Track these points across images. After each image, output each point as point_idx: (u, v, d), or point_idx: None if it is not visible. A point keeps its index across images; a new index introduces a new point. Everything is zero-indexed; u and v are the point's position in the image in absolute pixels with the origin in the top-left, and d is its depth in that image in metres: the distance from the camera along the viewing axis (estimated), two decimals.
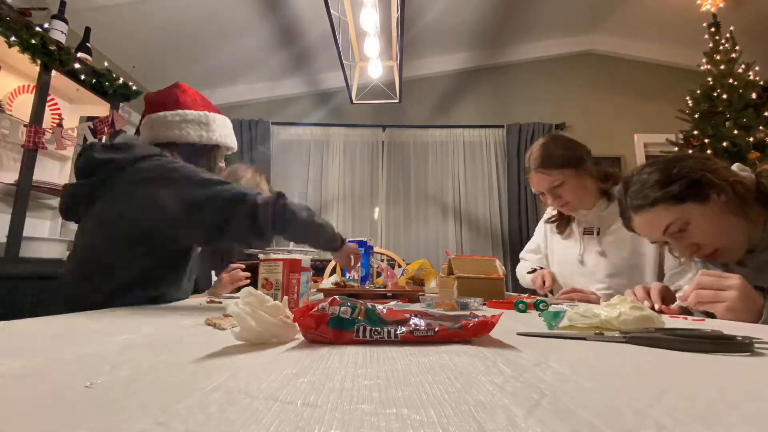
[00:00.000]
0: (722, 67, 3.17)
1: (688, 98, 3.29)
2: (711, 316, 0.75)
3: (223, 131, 1.17)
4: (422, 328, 0.45)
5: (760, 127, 2.91)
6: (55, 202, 2.27)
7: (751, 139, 2.89)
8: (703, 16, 3.31)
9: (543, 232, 1.58)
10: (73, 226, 1.29)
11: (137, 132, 1.24)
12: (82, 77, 2.27)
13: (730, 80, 3.07)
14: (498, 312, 0.52)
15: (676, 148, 3.21)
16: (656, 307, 0.84)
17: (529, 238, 3.78)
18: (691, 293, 0.73)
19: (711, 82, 3.17)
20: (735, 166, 0.92)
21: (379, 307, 0.52)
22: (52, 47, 2.05)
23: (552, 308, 0.62)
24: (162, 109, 1.12)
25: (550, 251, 1.52)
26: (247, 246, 1.02)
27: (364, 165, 3.96)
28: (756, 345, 0.40)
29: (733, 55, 3.17)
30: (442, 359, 0.37)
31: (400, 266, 2.06)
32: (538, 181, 1.32)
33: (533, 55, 4.10)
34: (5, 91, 2.15)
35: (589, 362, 0.37)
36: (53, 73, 2.12)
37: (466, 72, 4.10)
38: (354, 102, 2.76)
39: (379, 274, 1.56)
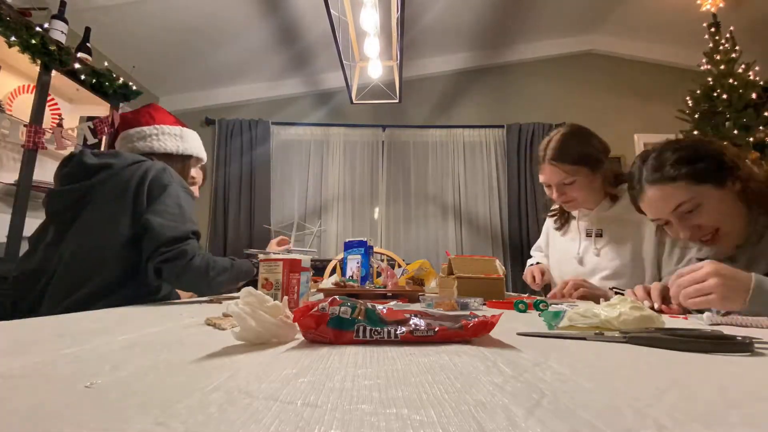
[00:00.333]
0: (722, 67, 3.17)
1: (688, 98, 3.29)
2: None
3: (196, 143, 1.30)
4: (422, 328, 0.45)
5: (760, 127, 2.91)
6: None
7: (751, 139, 2.89)
8: (703, 16, 3.31)
9: (546, 229, 1.58)
10: None
11: (111, 147, 1.30)
12: (82, 77, 2.27)
13: (730, 80, 3.07)
14: (498, 312, 0.52)
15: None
16: (656, 306, 0.84)
17: (528, 238, 3.78)
18: (677, 294, 0.73)
19: (711, 82, 3.17)
20: None
21: (379, 307, 0.52)
22: (52, 47, 2.05)
23: (552, 308, 0.62)
24: (138, 126, 1.22)
25: (552, 249, 1.52)
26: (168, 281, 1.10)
27: (364, 165, 3.96)
28: (756, 345, 0.40)
29: (733, 55, 3.18)
30: (442, 359, 0.37)
31: (400, 266, 2.06)
32: (550, 174, 1.27)
33: (533, 55, 4.10)
34: (5, 91, 2.16)
35: (589, 362, 0.37)
36: (53, 73, 2.12)
37: (466, 72, 4.10)
38: (354, 102, 2.76)
39: (379, 274, 1.55)
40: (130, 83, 2.55)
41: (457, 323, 0.45)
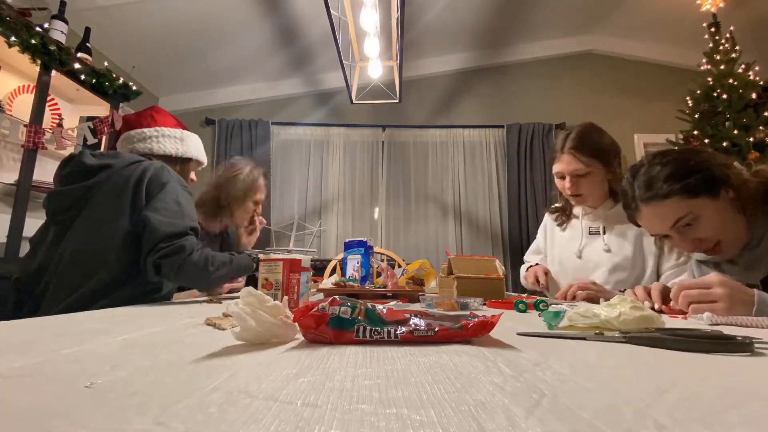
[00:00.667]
0: (722, 67, 3.17)
1: (688, 98, 3.29)
2: None
3: (196, 147, 1.30)
4: (422, 328, 0.45)
5: (760, 127, 2.91)
6: None
7: (751, 139, 2.89)
8: (703, 16, 3.31)
9: (544, 229, 1.58)
10: None
11: (112, 148, 1.29)
12: (82, 77, 2.27)
13: (730, 80, 3.07)
14: (498, 312, 0.52)
15: (675, 148, 3.22)
16: (656, 306, 0.84)
17: (528, 238, 3.78)
18: (678, 295, 0.73)
19: (711, 82, 3.17)
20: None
21: (379, 307, 0.52)
22: (52, 47, 2.05)
23: (552, 308, 0.62)
24: (140, 127, 1.23)
25: (551, 246, 1.52)
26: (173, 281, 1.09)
27: (364, 165, 3.96)
28: (756, 345, 0.40)
29: (733, 55, 3.17)
30: (442, 359, 0.37)
31: (400, 266, 2.06)
32: (567, 163, 1.29)
33: (533, 55, 4.10)
34: (5, 91, 2.16)
35: (589, 362, 0.37)
36: (53, 73, 2.12)
37: (466, 72, 4.10)
38: (354, 102, 2.76)
39: (379, 274, 1.55)
40: (130, 83, 2.55)
41: (457, 323, 0.45)
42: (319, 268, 2.63)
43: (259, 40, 3.36)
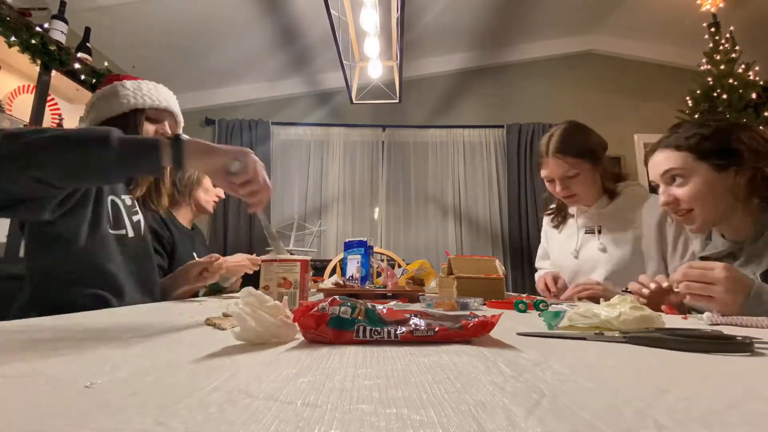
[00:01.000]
0: (722, 67, 3.16)
1: (688, 98, 3.29)
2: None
3: (137, 92, 1.02)
4: (422, 328, 0.45)
5: (760, 127, 2.91)
6: None
7: None
8: (703, 16, 3.31)
9: (545, 233, 1.58)
10: None
11: None
12: (82, 77, 2.27)
13: (730, 80, 3.07)
14: (498, 312, 0.52)
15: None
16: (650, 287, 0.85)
17: (528, 238, 3.77)
18: (681, 281, 0.73)
19: (711, 82, 3.17)
20: None
21: (379, 307, 0.52)
22: (52, 47, 2.05)
23: (552, 308, 0.62)
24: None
25: (550, 248, 1.52)
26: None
27: (364, 165, 3.96)
28: (756, 345, 0.40)
29: (733, 55, 3.17)
30: (442, 359, 0.37)
31: (400, 266, 2.06)
32: (554, 167, 1.27)
33: (533, 55, 4.10)
34: (5, 91, 2.15)
35: (589, 362, 0.37)
36: (53, 73, 2.12)
37: (466, 72, 4.10)
38: (354, 102, 2.76)
39: (379, 274, 1.56)
40: None
41: (457, 323, 0.45)
42: (319, 268, 2.63)
43: (259, 40, 3.36)
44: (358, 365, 0.34)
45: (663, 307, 0.84)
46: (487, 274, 1.11)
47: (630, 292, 0.96)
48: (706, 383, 0.31)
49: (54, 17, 2.20)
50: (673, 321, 0.68)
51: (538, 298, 1.01)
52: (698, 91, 3.23)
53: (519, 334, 0.51)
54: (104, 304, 0.88)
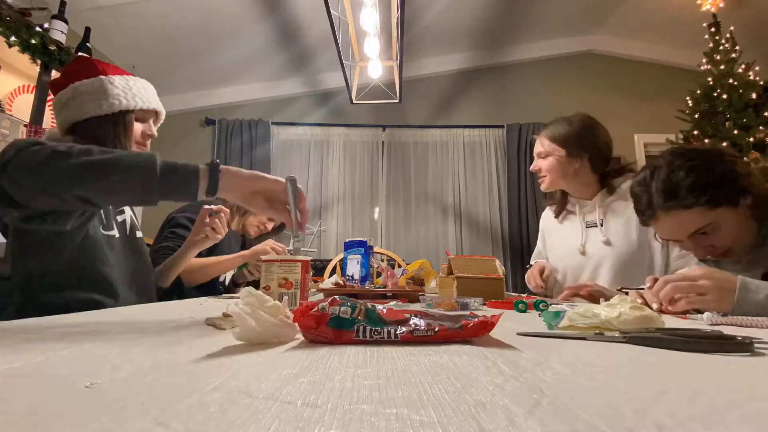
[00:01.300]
0: (722, 67, 3.17)
1: (688, 98, 3.30)
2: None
3: (127, 93, 0.97)
4: (422, 328, 0.45)
5: (760, 127, 2.91)
6: None
7: (751, 139, 2.89)
8: (703, 16, 3.31)
9: (542, 232, 1.57)
10: None
11: None
12: None
13: (730, 80, 3.07)
14: (498, 312, 0.52)
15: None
16: (655, 307, 0.84)
17: (528, 237, 3.77)
18: (665, 288, 0.73)
19: (711, 82, 3.17)
20: None
21: (379, 307, 0.52)
22: (52, 47, 2.05)
23: (552, 308, 0.62)
24: (56, 93, 0.96)
25: (550, 245, 1.51)
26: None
27: (364, 165, 3.96)
28: (756, 345, 0.40)
29: (733, 55, 3.18)
30: (442, 359, 0.37)
31: (400, 266, 2.06)
32: (536, 146, 1.39)
33: (533, 55, 4.10)
34: (5, 91, 2.16)
35: (589, 362, 0.37)
36: (53, 73, 2.12)
37: (466, 72, 4.10)
38: (354, 102, 2.76)
39: (379, 274, 1.55)
40: None
41: (457, 323, 0.45)
42: (319, 268, 2.63)
43: (259, 40, 3.36)
44: (358, 365, 0.34)
45: (663, 307, 0.84)
46: (487, 274, 1.11)
47: (626, 293, 0.96)
48: (706, 383, 0.31)
49: (54, 17, 2.20)
50: (673, 321, 0.68)
51: (538, 298, 1.01)
52: (698, 91, 3.24)
53: (519, 334, 0.51)
54: (96, 307, 0.86)
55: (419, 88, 4.01)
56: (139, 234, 1.11)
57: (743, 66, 3.11)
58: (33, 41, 1.96)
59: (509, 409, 0.23)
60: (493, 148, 3.96)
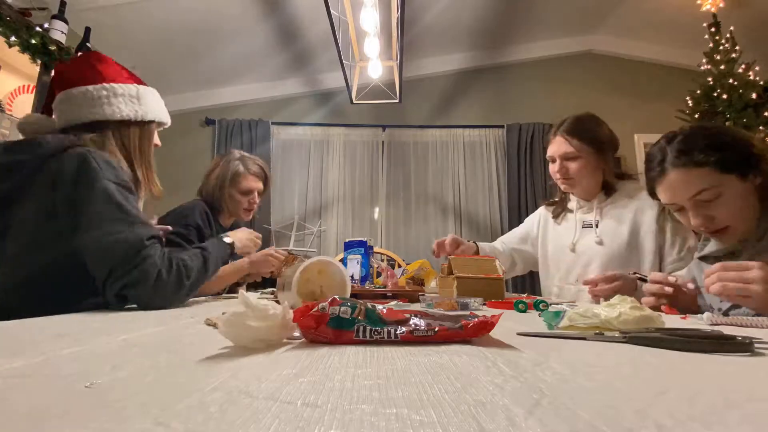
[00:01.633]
0: (722, 67, 3.16)
1: (688, 98, 3.29)
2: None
3: (157, 105, 1.03)
4: (422, 328, 0.45)
5: (760, 127, 2.91)
6: None
7: None
8: (703, 16, 3.31)
9: (538, 219, 1.57)
10: None
11: (44, 111, 1.04)
12: None
13: (730, 80, 3.07)
14: (498, 312, 0.52)
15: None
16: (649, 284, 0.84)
17: None
18: (715, 282, 0.70)
19: (711, 82, 3.17)
20: None
21: (379, 307, 0.52)
22: (52, 47, 2.05)
23: (552, 308, 0.62)
24: (82, 84, 0.94)
25: (543, 239, 1.51)
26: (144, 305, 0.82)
27: (364, 165, 3.96)
28: (756, 345, 0.40)
29: (733, 55, 3.17)
30: (442, 359, 0.37)
31: (400, 266, 2.06)
32: (558, 145, 1.32)
33: (533, 55, 4.10)
34: (5, 91, 2.16)
35: (589, 362, 0.37)
36: (53, 73, 2.12)
37: (466, 72, 4.10)
38: (354, 102, 2.76)
39: (379, 274, 1.56)
40: None
41: (457, 323, 0.45)
42: None
43: (259, 39, 3.36)
44: (358, 365, 0.34)
45: (662, 307, 0.84)
46: (487, 274, 1.11)
47: (641, 278, 0.95)
48: (706, 383, 0.31)
49: (54, 17, 2.20)
50: (672, 321, 0.68)
51: (538, 298, 1.01)
52: (698, 91, 3.23)
53: (519, 334, 0.51)
54: (98, 308, 0.86)
55: (419, 88, 4.01)
56: None
57: (743, 66, 3.11)
58: (33, 41, 1.96)
59: (509, 409, 0.23)
60: (493, 148, 3.96)
